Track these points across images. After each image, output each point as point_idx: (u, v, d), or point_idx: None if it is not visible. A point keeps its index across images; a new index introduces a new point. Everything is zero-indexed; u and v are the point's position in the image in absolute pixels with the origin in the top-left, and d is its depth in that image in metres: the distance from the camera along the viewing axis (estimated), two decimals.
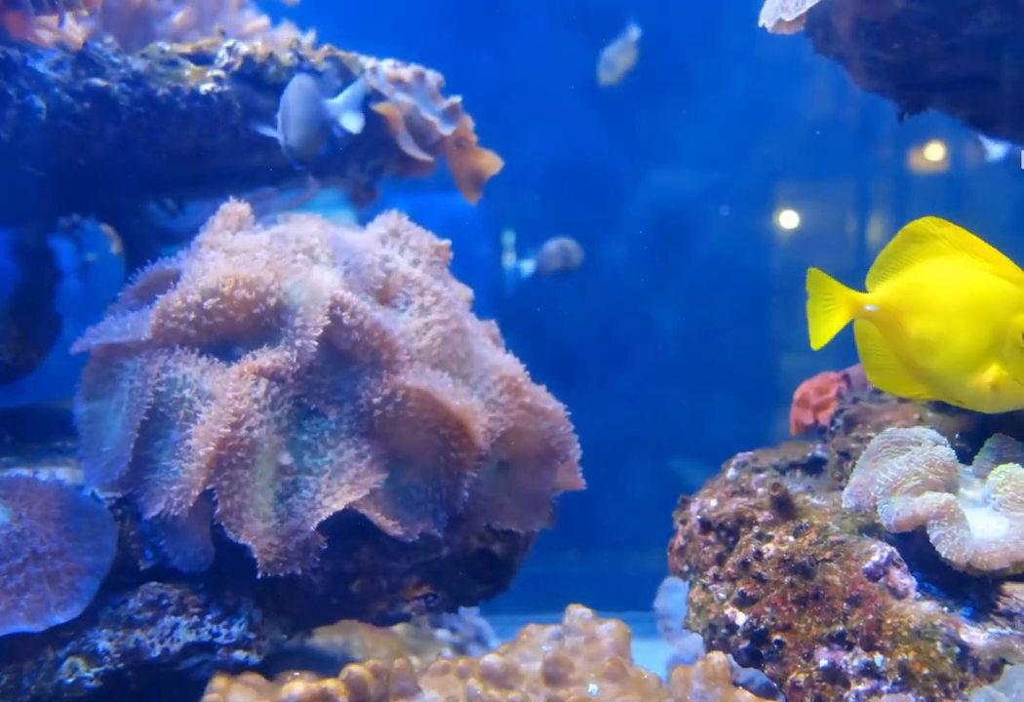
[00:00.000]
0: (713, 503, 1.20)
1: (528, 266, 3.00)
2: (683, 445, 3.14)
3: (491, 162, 1.88)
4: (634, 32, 2.92)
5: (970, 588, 0.94)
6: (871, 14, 1.21)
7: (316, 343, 1.19)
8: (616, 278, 3.42)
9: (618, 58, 2.87)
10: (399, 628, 1.99)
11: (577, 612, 1.10)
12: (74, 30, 1.50)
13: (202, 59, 1.54)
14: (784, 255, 3.49)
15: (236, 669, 1.12)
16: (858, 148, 3.31)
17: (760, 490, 1.18)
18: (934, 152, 3.19)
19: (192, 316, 1.20)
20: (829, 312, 1.10)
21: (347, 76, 1.70)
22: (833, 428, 1.35)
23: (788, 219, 3.43)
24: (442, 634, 2.15)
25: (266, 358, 1.18)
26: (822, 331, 1.10)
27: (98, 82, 1.41)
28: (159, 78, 1.47)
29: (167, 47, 1.52)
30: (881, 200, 3.41)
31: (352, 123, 1.49)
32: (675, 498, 1.35)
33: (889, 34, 1.22)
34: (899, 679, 0.89)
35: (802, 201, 3.45)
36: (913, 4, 1.17)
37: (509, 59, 3.29)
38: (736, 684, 1.00)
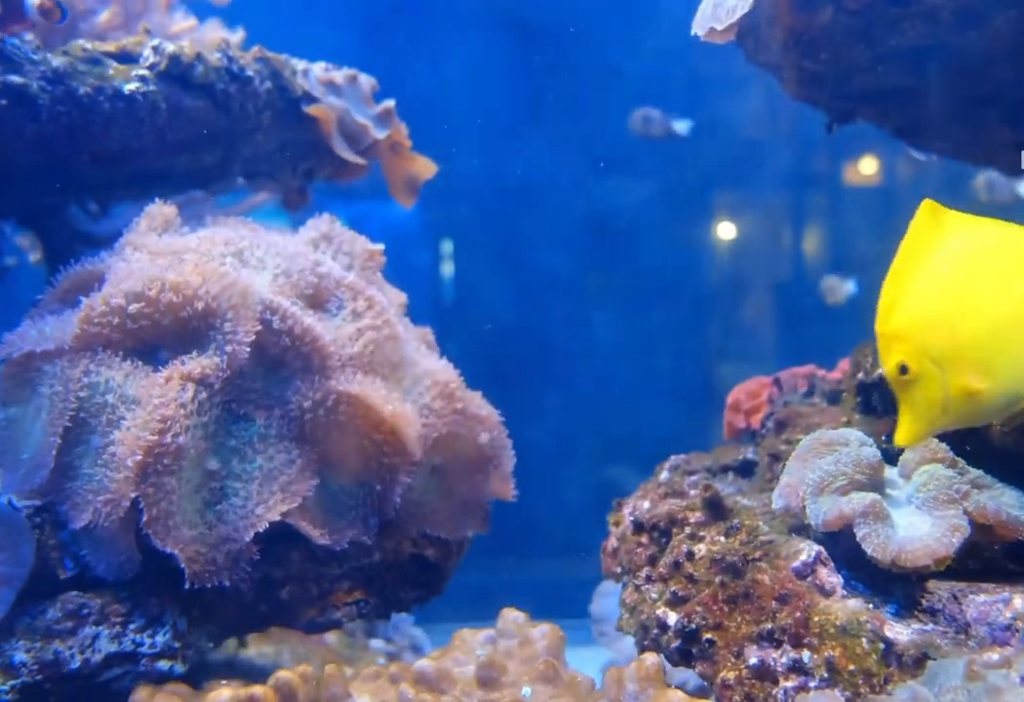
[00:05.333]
0: (646, 505, 1.20)
1: (682, 126, 2.93)
2: (619, 452, 3.16)
3: (425, 167, 1.88)
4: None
5: (895, 585, 0.95)
6: (800, 24, 1.23)
7: (248, 349, 1.16)
8: (552, 286, 3.43)
9: None
10: (332, 638, 1.96)
11: (510, 616, 1.09)
12: None
13: (126, 58, 1.50)
14: (719, 264, 3.54)
15: (160, 679, 1.08)
16: (795, 159, 3.38)
17: (692, 492, 1.19)
18: (868, 165, 3.27)
19: (116, 320, 1.17)
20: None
21: (277, 78, 1.68)
22: (764, 431, 1.37)
23: (724, 228, 3.48)
24: (376, 643, 2.12)
25: (195, 364, 1.15)
26: None
27: (15, 79, 1.37)
28: (81, 76, 1.43)
29: (89, 45, 1.48)
30: (817, 211, 3.48)
31: None
32: (611, 505, 1.36)
33: (817, 44, 1.25)
34: (826, 675, 0.91)
35: (739, 211, 3.50)
36: (840, 15, 1.19)
37: (442, 67, 3.28)
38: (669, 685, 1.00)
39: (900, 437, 0.81)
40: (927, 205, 0.84)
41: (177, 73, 1.52)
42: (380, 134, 1.78)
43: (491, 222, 3.38)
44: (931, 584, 0.95)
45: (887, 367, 0.81)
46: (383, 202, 2.26)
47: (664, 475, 1.31)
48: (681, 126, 2.93)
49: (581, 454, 3.24)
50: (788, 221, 3.45)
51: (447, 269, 3.47)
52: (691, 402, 3.14)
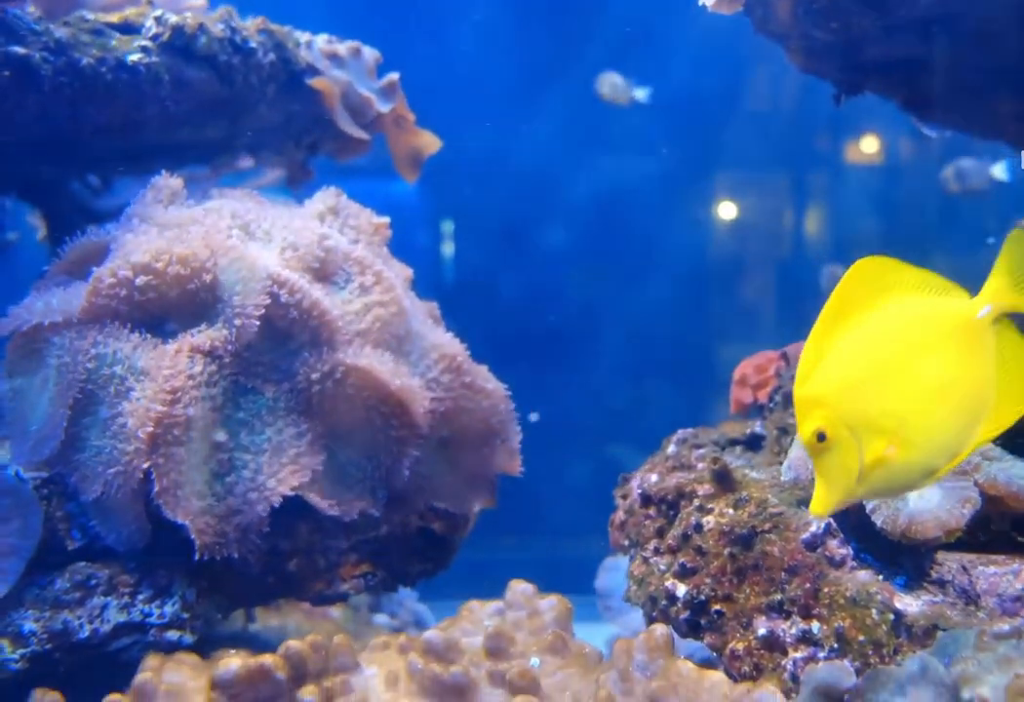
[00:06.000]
0: (654, 478, 1.20)
1: (642, 93, 2.93)
2: (623, 431, 3.16)
3: (429, 141, 1.87)
4: None
5: (904, 557, 0.96)
6: None
7: (257, 322, 1.16)
8: (554, 265, 3.42)
9: None
10: (337, 613, 1.97)
11: (519, 588, 1.09)
12: None
13: (129, 29, 1.48)
14: (723, 242, 3.53)
15: (169, 649, 1.08)
16: (796, 137, 3.36)
17: (700, 465, 1.19)
18: (870, 144, 3.26)
19: (124, 292, 1.16)
20: None
21: (281, 50, 1.66)
22: (771, 405, 1.37)
23: (727, 206, 3.47)
24: (380, 619, 2.13)
25: (204, 336, 1.15)
26: None
27: (18, 50, 1.35)
28: (83, 47, 1.41)
29: (91, 16, 1.47)
30: (817, 189, 3.46)
31: None
32: (615, 484, 1.36)
33: (827, 13, 1.23)
34: (835, 646, 0.91)
35: (740, 189, 3.48)
36: None
37: (444, 43, 3.26)
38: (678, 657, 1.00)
39: (814, 506, 0.80)
40: (860, 265, 0.81)
41: (180, 44, 1.50)
42: (384, 108, 1.77)
43: (493, 200, 3.36)
44: (940, 556, 0.95)
45: (803, 433, 0.79)
46: (384, 180, 2.25)
47: (671, 449, 1.31)
48: (641, 93, 2.94)
49: (585, 433, 3.24)
50: (792, 199, 3.44)
51: (448, 247, 3.46)
52: (695, 381, 3.14)
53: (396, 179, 1.98)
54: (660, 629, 0.95)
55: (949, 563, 0.94)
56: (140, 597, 1.12)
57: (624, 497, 1.27)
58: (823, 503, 0.79)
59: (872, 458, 0.77)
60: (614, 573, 2.04)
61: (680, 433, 1.35)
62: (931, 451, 0.79)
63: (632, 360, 3.33)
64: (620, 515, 1.25)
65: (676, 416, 1.48)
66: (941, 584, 0.93)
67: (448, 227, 3.46)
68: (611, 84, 2.96)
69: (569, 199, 3.44)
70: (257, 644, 1.58)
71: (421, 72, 2.10)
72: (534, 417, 3.09)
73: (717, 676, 0.92)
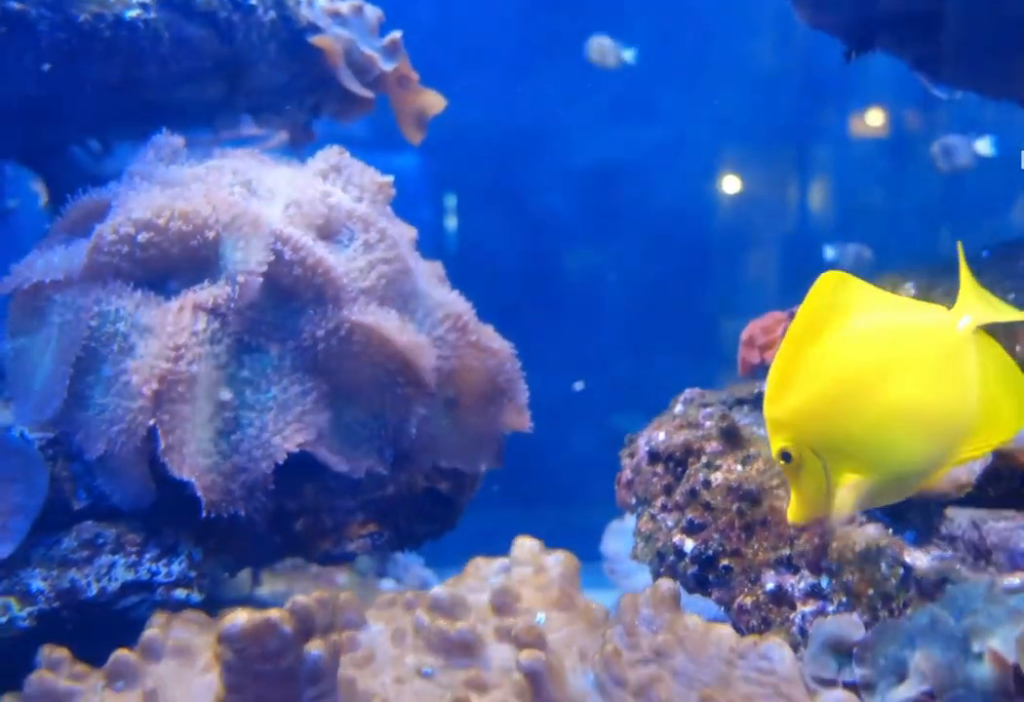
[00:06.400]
0: (661, 436, 1.19)
1: (629, 54, 2.97)
2: (628, 399, 3.15)
3: (434, 101, 1.84)
4: None
5: (913, 513, 0.95)
6: None
7: (260, 279, 1.15)
8: (560, 235, 3.40)
9: None
10: (343, 578, 1.98)
11: (525, 544, 1.09)
12: None
13: None
14: (728, 211, 3.51)
15: (177, 607, 1.09)
16: (804, 109, 3.32)
17: (708, 423, 1.18)
18: (875, 117, 3.22)
19: (125, 249, 1.15)
20: None
21: (281, 7, 1.64)
22: None
23: (733, 175, 3.44)
24: (387, 584, 2.14)
25: (207, 293, 1.14)
26: None
27: (14, 5, 1.33)
28: (81, 3, 1.39)
29: None
30: (823, 160, 3.43)
31: None
32: (617, 450, 1.35)
33: None
34: (844, 600, 0.91)
35: (747, 160, 3.45)
36: None
37: (447, 8, 3.22)
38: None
39: (791, 515, 0.79)
40: (826, 280, 0.78)
41: (179, 1, 1.48)
42: (387, 66, 1.74)
43: (497, 169, 3.34)
44: (950, 511, 0.95)
45: (773, 453, 0.78)
46: (385, 152, 2.22)
47: (679, 408, 1.30)
48: (628, 54, 2.98)
49: (590, 401, 3.23)
50: (797, 170, 3.41)
51: (451, 219, 3.43)
52: (700, 350, 3.13)
53: (398, 152, 1.96)
54: (666, 584, 0.95)
55: (959, 519, 0.94)
56: (147, 556, 1.12)
57: (631, 456, 1.26)
58: (798, 515, 0.79)
59: (837, 481, 0.76)
60: (620, 537, 2.04)
61: (687, 392, 1.34)
62: (899, 473, 0.77)
63: (638, 329, 3.32)
64: (627, 474, 1.25)
65: (681, 384, 1.46)
66: (951, 539, 0.93)
67: (451, 199, 3.43)
68: (599, 47, 2.97)
69: (573, 168, 3.41)
70: (264, 607, 1.59)
71: (423, 39, 2.07)
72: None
73: (724, 630, 0.91)
